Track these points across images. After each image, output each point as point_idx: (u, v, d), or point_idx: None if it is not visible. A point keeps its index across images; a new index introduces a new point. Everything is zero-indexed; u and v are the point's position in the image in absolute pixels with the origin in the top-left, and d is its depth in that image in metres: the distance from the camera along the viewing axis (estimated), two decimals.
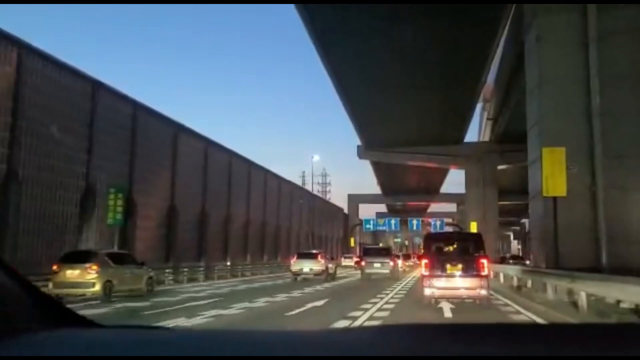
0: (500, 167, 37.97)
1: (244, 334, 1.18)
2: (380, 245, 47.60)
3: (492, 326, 1.29)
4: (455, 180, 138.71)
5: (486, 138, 39.63)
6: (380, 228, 64.16)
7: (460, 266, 11.90)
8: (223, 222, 33.13)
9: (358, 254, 53.17)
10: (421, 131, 35.96)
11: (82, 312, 1.39)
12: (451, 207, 76.13)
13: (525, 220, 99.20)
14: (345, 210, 71.16)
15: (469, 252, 12.52)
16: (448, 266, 11.95)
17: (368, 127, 35.92)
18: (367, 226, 61.96)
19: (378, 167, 48.76)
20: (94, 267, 14.02)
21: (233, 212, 34.09)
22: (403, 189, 63.14)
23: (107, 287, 14.10)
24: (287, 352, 0.97)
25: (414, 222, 62.86)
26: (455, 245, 13.11)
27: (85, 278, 13.86)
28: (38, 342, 1.06)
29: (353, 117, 34.16)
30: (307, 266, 24.32)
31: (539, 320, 10.20)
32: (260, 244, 38.33)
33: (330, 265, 26.30)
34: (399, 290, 18.37)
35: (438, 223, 62.15)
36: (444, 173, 52.89)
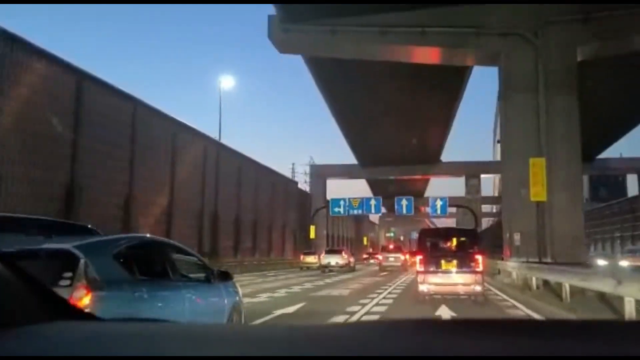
0: (583, 49, 16.87)
1: (245, 329, 1.21)
2: (365, 242, 54.27)
3: (496, 322, 1.28)
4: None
5: None
6: (355, 211, 44.05)
7: (455, 262, 11.80)
8: (62, 198, 16.74)
9: (327, 248, 35.78)
10: None
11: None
12: (457, 187, 55.37)
13: None
14: (306, 188, 50.05)
15: (464, 248, 12.39)
16: (443, 262, 11.84)
17: None
18: (336, 209, 42.70)
19: (325, 82, 26.89)
20: (345, 254, 31.42)
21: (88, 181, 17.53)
22: (387, 154, 42.18)
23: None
24: (289, 347, 0.96)
25: (404, 203, 43.68)
26: (450, 242, 12.95)
27: (314, 260, 32.26)
28: (38, 334, 1.07)
29: None
30: (334, 260, 30.15)
31: None
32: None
33: (351, 260, 32.07)
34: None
35: (439, 204, 41.22)
36: (451, 102, 31.24)
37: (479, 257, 11.81)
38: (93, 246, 4.14)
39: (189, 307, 4.74)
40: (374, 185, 56.08)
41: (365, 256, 46.82)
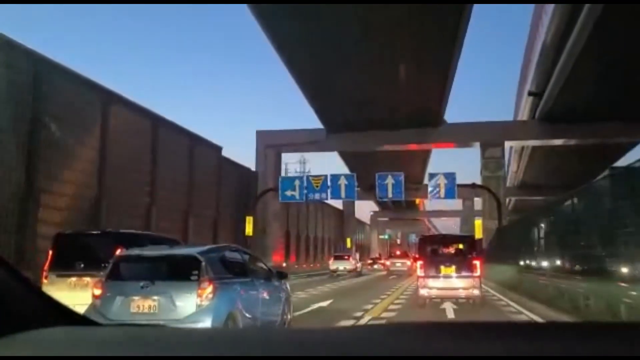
0: None
1: (243, 333, 1.15)
2: (349, 244, 52.63)
3: (497, 324, 1.31)
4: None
5: None
6: (317, 195, 30.10)
7: (454, 267, 12.38)
8: None
9: (335, 254, 37.74)
10: None
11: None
12: (467, 160, 40.58)
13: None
14: (250, 164, 34.78)
15: (462, 253, 13.03)
16: (442, 267, 12.41)
17: None
18: (289, 193, 29.66)
19: None
20: (353, 260, 34.40)
21: None
22: (365, 109, 27.65)
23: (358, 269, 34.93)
24: (288, 350, 0.95)
25: (389, 181, 29.50)
26: (449, 248, 13.65)
27: (346, 264, 33.27)
28: (39, 339, 1.07)
29: None
30: (342, 266, 33.29)
31: None
32: None
33: (358, 265, 35.42)
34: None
35: (442, 183, 28.40)
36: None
37: (477, 262, 12.41)
38: (207, 252, 6.31)
39: (262, 298, 6.97)
40: (351, 162, 40.92)
41: (369, 261, 48.49)
